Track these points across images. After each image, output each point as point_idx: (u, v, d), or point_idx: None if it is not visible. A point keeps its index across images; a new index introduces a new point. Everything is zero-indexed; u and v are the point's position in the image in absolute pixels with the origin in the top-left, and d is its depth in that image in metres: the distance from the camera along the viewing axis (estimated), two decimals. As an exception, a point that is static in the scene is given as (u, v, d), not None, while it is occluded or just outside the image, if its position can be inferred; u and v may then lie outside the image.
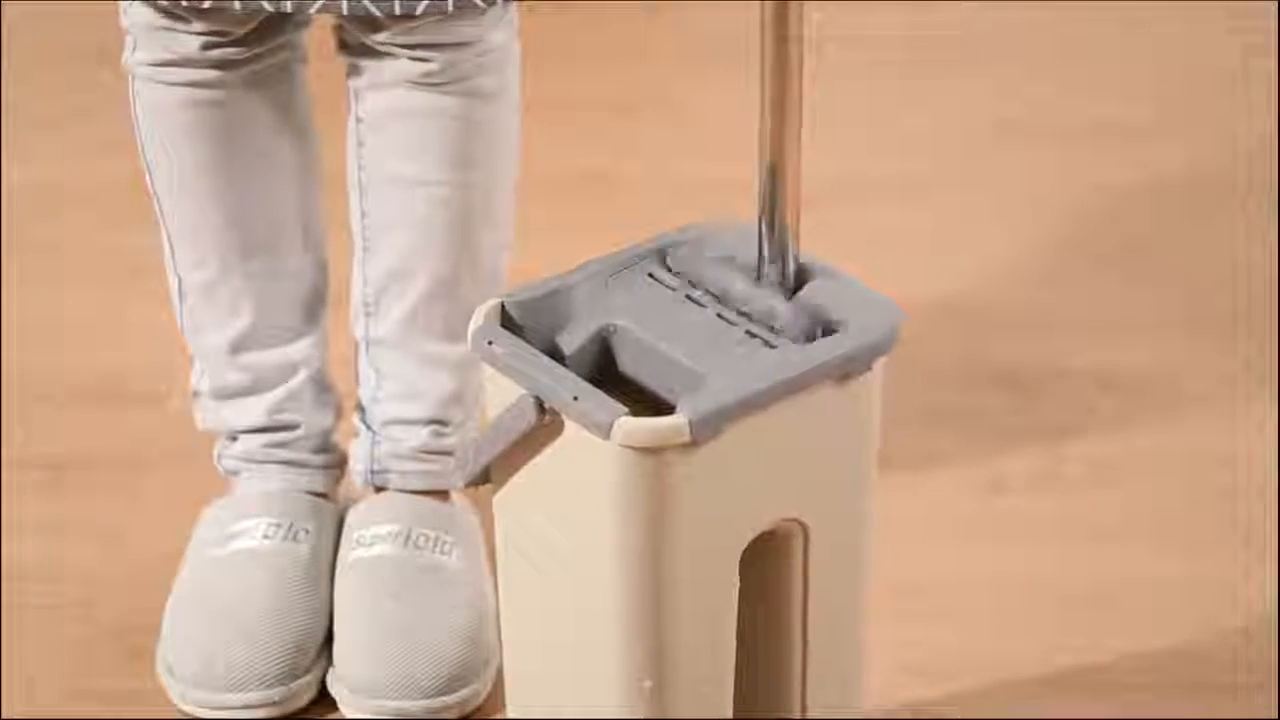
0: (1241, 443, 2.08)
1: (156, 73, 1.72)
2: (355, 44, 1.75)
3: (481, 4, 1.69)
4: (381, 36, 1.71)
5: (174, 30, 1.69)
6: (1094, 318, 2.26)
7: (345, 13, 1.67)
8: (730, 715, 1.55)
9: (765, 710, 1.62)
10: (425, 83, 1.75)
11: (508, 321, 1.47)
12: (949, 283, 2.20)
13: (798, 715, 1.62)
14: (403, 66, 1.74)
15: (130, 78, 1.75)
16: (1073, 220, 2.43)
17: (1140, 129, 2.69)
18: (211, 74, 1.72)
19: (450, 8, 1.68)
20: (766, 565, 1.54)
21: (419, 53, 1.73)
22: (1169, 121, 2.70)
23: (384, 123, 1.80)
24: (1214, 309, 2.27)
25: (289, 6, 1.67)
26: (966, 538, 1.85)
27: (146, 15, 1.69)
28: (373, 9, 1.66)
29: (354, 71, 1.78)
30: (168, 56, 1.70)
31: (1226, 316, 2.25)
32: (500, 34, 1.75)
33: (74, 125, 2.52)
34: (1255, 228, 2.43)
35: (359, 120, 1.80)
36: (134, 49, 1.73)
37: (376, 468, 1.83)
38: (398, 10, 1.68)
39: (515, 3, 1.75)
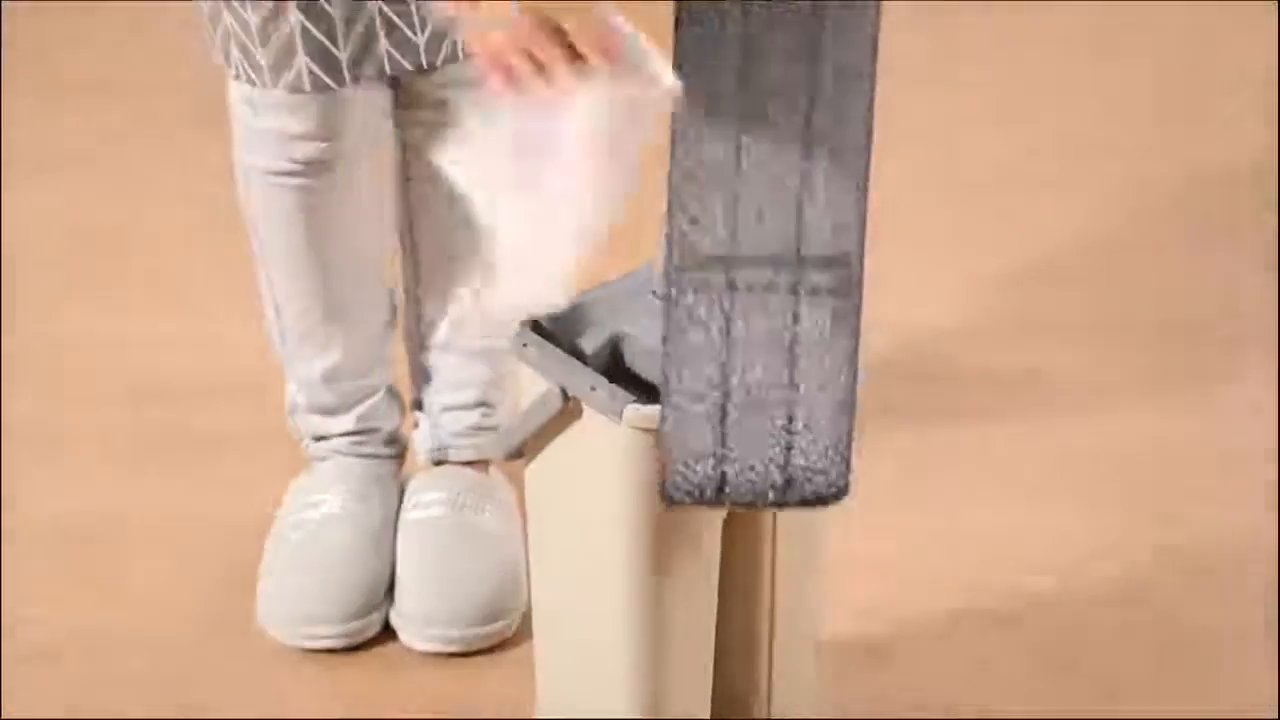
0: (1112, 421, 2.12)
1: (273, 178, 1.75)
2: (401, 83, 1.76)
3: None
4: (427, 78, 1.74)
5: (300, 139, 1.71)
6: (1021, 325, 2.29)
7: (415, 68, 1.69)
8: (712, 647, 1.59)
9: (736, 662, 1.64)
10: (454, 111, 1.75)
11: (539, 329, 1.53)
12: (895, 303, 2.09)
13: (762, 682, 1.65)
14: (447, 95, 1.75)
15: (242, 172, 1.78)
16: (1002, 246, 2.43)
17: (1078, 146, 2.67)
18: (319, 178, 1.75)
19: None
20: (740, 542, 1.58)
21: (451, 91, 1.74)
22: (1106, 140, 2.69)
23: (429, 150, 1.75)
24: (1123, 318, 2.30)
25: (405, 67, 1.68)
26: (903, 507, 1.89)
27: (274, 122, 1.72)
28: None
29: (401, 104, 1.78)
30: (286, 167, 1.74)
31: (1136, 324, 2.29)
32: None
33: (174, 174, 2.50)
34: (1173, 241, 2.45)
35: (405, 149, 1.81)
36: (250, 150, 1.75)
37: (438, 446, 1.89)
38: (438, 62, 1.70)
39: None
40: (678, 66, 1.40)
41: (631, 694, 1.57)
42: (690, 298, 1.41)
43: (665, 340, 1.43)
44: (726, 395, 1.43)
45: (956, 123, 2.66)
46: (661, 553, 1.51)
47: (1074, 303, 2.35)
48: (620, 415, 1.45)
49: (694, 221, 1.40)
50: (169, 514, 1.99)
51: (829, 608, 1.71)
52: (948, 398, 2.15)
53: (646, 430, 1.44)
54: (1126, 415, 2.15)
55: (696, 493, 1.45)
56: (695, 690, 1.59)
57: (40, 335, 2.29)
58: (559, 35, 1.36)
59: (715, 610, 1.57)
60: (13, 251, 2.43)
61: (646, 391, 1.50)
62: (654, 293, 1.53)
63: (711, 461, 1.44)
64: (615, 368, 1.54)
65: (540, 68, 1.37)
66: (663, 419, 1.43)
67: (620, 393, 1.46)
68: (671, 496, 1.44)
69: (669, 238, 1.41)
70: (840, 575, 1.72)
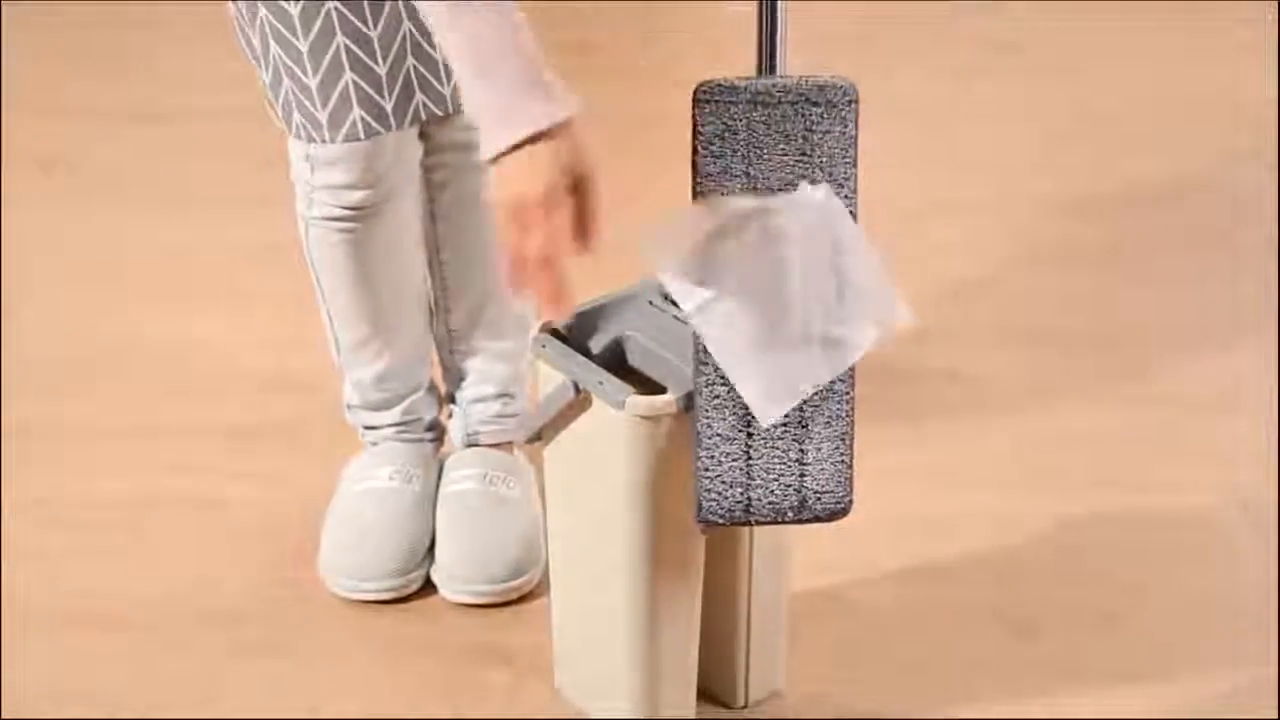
0: (1045, 415, 2.20)
1: (327, 224, 1.84)
2: (429, 129, 1.85)
3: None
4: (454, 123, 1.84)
5: (348, 188, 1.80)
6: (948, 330, 2.36)
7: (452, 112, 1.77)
8: (699, 600, 1.66)
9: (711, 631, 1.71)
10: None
11: (554, 331, 1.64)
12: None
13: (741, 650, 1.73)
14: (465, 138, 1.84)
15: (303, 223, 1.85)
16: (924, 264, 2.46)
17: (1004, 169, 2.72)
18: (364, 221, 1.82)
19: None
20: (721, 537, 1.67)
21: (475, 134, 1.75)
22: (1030, 163, 2.72)
23: (451, 186, 1.87)
24: (1024, 326, 2.38)
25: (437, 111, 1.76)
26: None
27: (327, 178, 1.79)
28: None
29: (428, 151, 1.86)
30: (337, 213, 1.82)
31: (1047, 333, 2.36)
32: None
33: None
34: (1098, 256, 2.51)
35: (431, 186, 1.88)
36: (309, 205, 1.83)
37: (470, 431, 2.00)
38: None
39: None
40: (697, 162, 1.48)
41: (631, 637, 1.65)
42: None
43: (697, 393, 1.50)
44: (750, 436, 1.51)
45: (894, 150, 2.62)
46: (657, 519, 1.60)
47: (1007, 311, 2.41)
48: (623, 405, 1.55)
49: None
50: (228, 495, 2.06)
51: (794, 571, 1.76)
52: (897, 396, 2.20)
53: (645, 418, 1.55)
54: (1060, 411, 2.21)
55: (727, 515, 1.52)
56: (687, 637, 1.67)
57: (113, 338, 2.36)
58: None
59: (702, 570, 1.64)
60: (95, 266, 2.51)
61: (645, 385, 1.59)
62: (651, 302, 1.65)
63: (740, 489, 1.52)
64: (619, 365, 1.62)
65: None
66: (697, 457, 1.50)
67: (623, 386, 1.56)
68: (707, 519, 1.52)
69: None
70: (802, 549, 1.78)
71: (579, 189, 1.46)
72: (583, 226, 1.47)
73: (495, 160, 1.46)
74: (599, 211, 1.47)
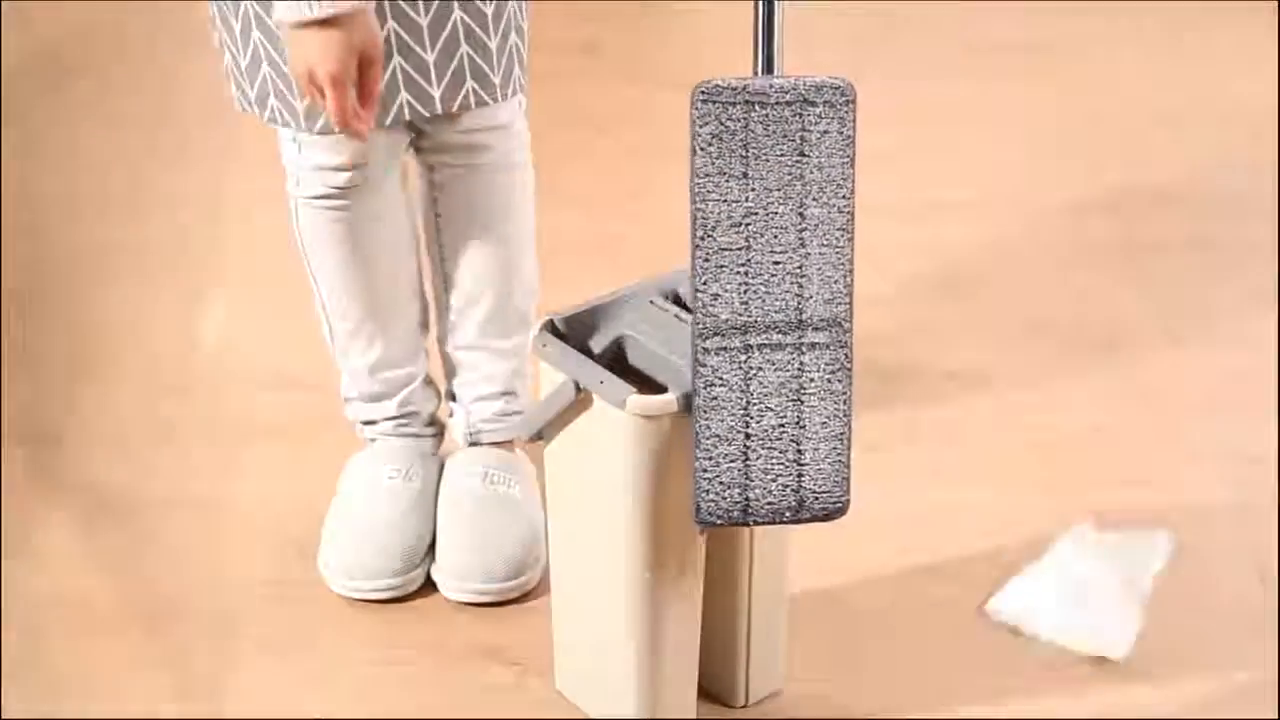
0: (1045, 414, 2.23)
1: (315, 203, 1.86)
2: (428, 128, 1.85)
3: (491, 101, 1.82)
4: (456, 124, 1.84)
5: (334, 170, 1.82)
6: (946, 329, 2.39)
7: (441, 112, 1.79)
8: (700, 600, 1.67)
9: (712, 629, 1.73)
10: (484, 150, 1.86)
11: (555, 330, 1.65)
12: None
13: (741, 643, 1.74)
14: (466, 140, 1.85)
15: (293, 203, 1.88)
16: (924, 264, 2.50)
17: (990, 171, 2.76)
18: (353, 200, 1.85)
19: (499, 96, 1.81)
20: (722, 537, 1.68)
21: (475, 136, 1.84)
22: (1015, 165, 2.75)
23: (455, 187, 1.88)
24: (1024, 325, 2.39)
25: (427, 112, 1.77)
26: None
27: (314, 158, 1.82)
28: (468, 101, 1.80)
29: (430, 149, 1.87)
30: (325, 191, 1.85)
31: (1046, 332, 2.38)
32: (516, 116, 1.89)
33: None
34: (1057, 269, 2.54)
35: (434, 186, 1.89)
36: (298, 184, 1.86)
37: (471, 430, 2.00)
38: (473, 104, 1.80)
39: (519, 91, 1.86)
40: (695, 162, 1.50)
41: (631, 637, 1.66)
42: (714, 359, 1.53)
43: (696, 394, 1.52)
44: (748, 437, 1.53)
45: (892, 149, 2.66)
46: (658, 518, 1.61)
47: (1005, 310, 2.42)
48: (624, 404, 1.56)
49: (715, 297, 1.52)
50: (229, 494, 2.08)
51: (796, 567, 1.78)
52: (895, 395, 2.22)
53: (646, 417, 1.56)
54: (1058, 410, 2.23)
55: (725, 516, 1.55)
56: (687, 637, 1.69)
57: (114, 337, 2.37)
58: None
59: (702, 570, 1.66)
60: (96, 266, 2.51)
61: (645, 385, 1.60)
62: (651, 302, 1.66)
63: (738, 490, 1.54)
64: (620, 364, 1.64)
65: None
66: (695, 458, 1.53)
67: (624, 385, 1.58)
68: (705, 520, 1.54)
69: (695, 310, 1.52)
70: (801, 549, 1.79)
71: (363, 68, 1.63)
72: (364, 98, 1.66)
73: (292, 29, 1.62)
74: (376, 88, 1.66)
